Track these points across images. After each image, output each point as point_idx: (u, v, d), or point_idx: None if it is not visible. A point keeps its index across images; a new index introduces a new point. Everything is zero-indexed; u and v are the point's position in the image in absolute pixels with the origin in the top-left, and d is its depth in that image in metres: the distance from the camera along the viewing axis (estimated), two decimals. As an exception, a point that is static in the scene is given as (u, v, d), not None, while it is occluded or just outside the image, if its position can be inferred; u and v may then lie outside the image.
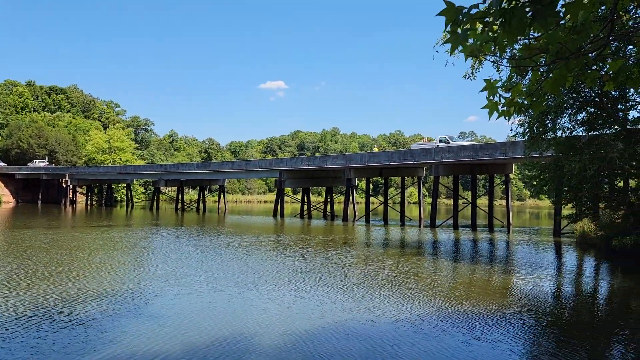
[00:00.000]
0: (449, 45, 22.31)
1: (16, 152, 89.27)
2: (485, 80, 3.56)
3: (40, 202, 79.43)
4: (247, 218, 50.68)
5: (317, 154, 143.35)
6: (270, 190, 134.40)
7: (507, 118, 3.83)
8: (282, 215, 48.67)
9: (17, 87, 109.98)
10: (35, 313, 9.95)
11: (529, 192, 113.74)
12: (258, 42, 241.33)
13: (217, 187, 72.33)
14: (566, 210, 28.59)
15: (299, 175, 50.04)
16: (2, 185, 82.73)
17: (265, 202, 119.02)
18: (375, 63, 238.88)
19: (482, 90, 3.58)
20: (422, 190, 47.57)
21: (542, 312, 11.19)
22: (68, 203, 74.33)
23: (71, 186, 75.75)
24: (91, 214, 52.03)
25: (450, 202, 72.24)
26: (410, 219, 46.76)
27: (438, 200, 37.77)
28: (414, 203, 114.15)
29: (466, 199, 44.66)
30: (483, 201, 60.08)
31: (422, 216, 43.08)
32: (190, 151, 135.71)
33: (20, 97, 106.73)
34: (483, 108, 3.57)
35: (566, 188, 24.59)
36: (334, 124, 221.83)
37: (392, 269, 16.45)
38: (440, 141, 41.14)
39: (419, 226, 39.17)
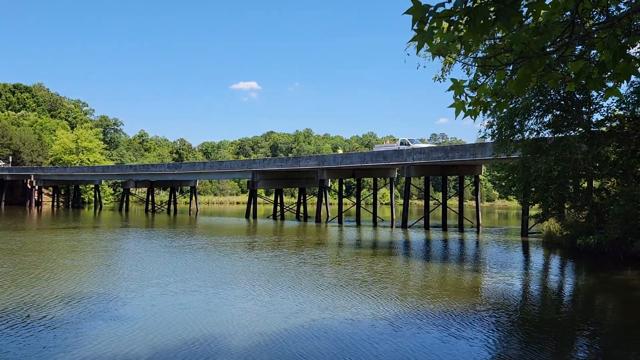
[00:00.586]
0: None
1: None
2: (452, 79, 3.61)
3: (3, 203, 76.79)
4: (219, 219, 50.17)
5: (290, 155, 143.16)
6: (243, 192, 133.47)
7: (473, 117, 3.89)
8: (254, 217, 48.37)
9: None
10: (4, 317, 9.61)
11: (497, 193, 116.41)
12: (231, 42, 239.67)
13: (189, 188, 71.33)
14: (533, 211, 29.34)
15: (272, 176, 49.86)
16: (-37, 186, 79.58)
17: (237, 203, 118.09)
18: (349, 65, 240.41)
19: (449, 90, 3.63)
20: (394, 191, 48.06)
21: (513, 309, 11.45)
22: (33, 205, 72.05)
23: (36, 187, 73.48)
24: (58, 216, 50.59)
25: (422, 202, 73.28)
26: (383, 220, 47.15)
27: (410, 201, 38.23)
28: (386, 204, 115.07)
29: (437, 200, 45.33)
30: (453, 202, 61.12)
31: (394, 217, 43.52)
32: (161, 152, 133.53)
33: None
34: (450, 107, 3.62)
35: (533, 189, 25.24)
36: (307, 125, 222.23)
37: (366, 269, 16.54)
38: (402, 143, 42.90)
39: (391, 227, 39.53)
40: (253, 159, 56.51)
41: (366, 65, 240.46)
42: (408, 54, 21.47)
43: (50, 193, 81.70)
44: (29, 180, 73.83)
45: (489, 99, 3.75)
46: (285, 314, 10.34)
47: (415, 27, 3.00)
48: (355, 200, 48.85)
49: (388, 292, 12.88)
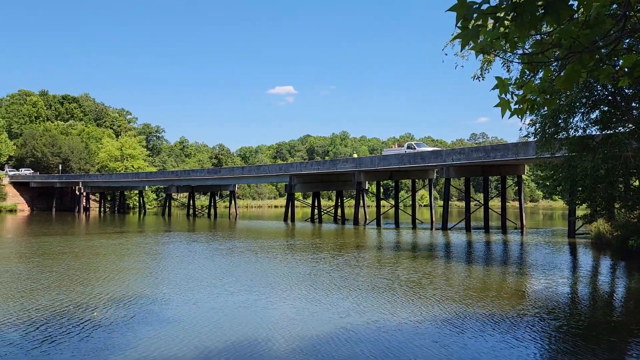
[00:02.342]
0: (458, 48, 21.97)
1: (30, 161, 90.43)
2: (497, 78, 3.51)
3: (54, 209, 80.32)
4: (258, 223, 50.78)
5: (326, 158, 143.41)
6: (280, 195, 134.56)
7: (520, 116, 3.77)
8: (292, 220, 48.67)
9: (30, 97, 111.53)
10: (53, 317, 10.01)
11: (542, 193, 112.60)
12: (267, 47, 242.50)
13: (228, 192, 72.61)
14: (580, 211, 28.23)
15: (309, 179, 50.07)
16: (18, 193, 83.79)
17: (275, 206, 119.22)
18: (385, 66, 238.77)
19: (493, 89, 3.52)
20: (433, 192, 47.31)
21: (566, 312, 11.09)
22: (82, 210, 75.05)
23: (84, 193, 76.50)
24: (105, 221, 52.48)
25: (462, 204, 71.79)
26: (422, 222, 46.49)
27: (449, 202, 37.53)
28: (425, 206, 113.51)
29: (478, 201, 44.29)
30: (495, 203, 59.60)
31: (433, 219, 42.82)
32: (200, 157, 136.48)
33: (34, 107, 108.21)
34: (495, 107, 3.52)
35: (580, 188, 24.29)
36: (344, 128, 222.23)
37: (408, 272, 16.34)
38: (408, 147, 44.07)
39: (431, 229, 38.94)
40: (290, 162, 56.93)
41: (402, 65, 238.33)
42: (446, 54, 21.03)
43: (98, 199, 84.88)
44: (77, 187, 76.99)
45: (535, 97, 3.62)
46: (329, 317, 10.33)
47: (459, 24, 2.94)
48: (393, 202, 48.40)
49: (434, 295, 12.66)
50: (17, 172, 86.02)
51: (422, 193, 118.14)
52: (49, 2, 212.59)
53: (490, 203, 41.24)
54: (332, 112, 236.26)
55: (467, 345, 8.51)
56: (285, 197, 55.06)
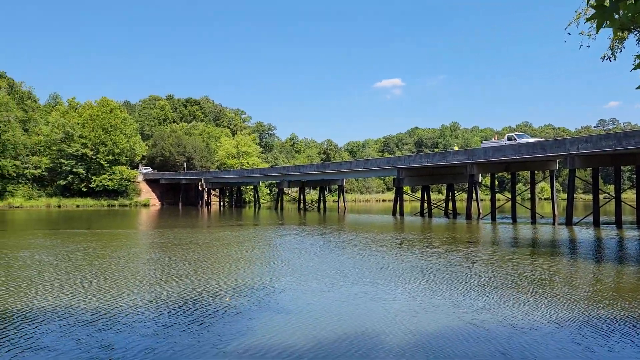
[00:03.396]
0: (583, 26, 19.91)
1: (160, 160, 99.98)
2: (638, 56, 3.15)
3: (181, 204, 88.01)
4: (366, 217, 51.02)
5: (435, 150, 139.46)
6: (388, 189, 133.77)
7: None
8: (401, 214, 48.14)
9: (159, 101, 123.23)
10: (181, 305, 10.99)
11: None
12: (373, 41, 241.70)
13: (337, 186, 73.87)
14: None
15: (418, 172, 49.09)
16: (150, 189, 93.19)
17: (383, 200, 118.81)
18: (496, 50, 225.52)
19: (634, 68, 3.17)
20: (555, 184, 43.78)
21: None
22: (204, 205, 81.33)
23: (206, 189, 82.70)
24: (224, 215, 56.34)
25: (588, 197, 65.52)
26: (542, 216, 43.31)
27: (574, 195, 34.42)
28: (545, 199, 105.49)
29: (608, 194, 40.09)
30: (629, 195, 53.50)
31: (555, 213, 39.66)
32: (310, 153, 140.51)
33: (161, 110, 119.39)
34: (637, 88, 3.16)
35: None
36: (454, 119, 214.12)
37: (531, 269, 15.35)
38: (508, 139, 41.54)
39: (553, 223, 36.12)
40: (398, 156, 56.25)
41: (516, 48, 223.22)
42: (569, 33, 19.26)
43: (217, 194, 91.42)
44: (199, 183, 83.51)
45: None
46: (442, 314, 10.08)
47: (592, 1, 2.68)
48: (509, 196, 45.67)
49: (568, 293, 11.73)
50: (149, 170, 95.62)
51: (542, 185, 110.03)
52: (173, 16, 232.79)
53: (623, 195, 37.13)
54: (441, 102, 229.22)
55: (614, 349, 7.79)
56: (394, 191, 54.58)
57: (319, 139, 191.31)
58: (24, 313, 10.10)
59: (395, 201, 50.20)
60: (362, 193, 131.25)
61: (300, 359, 7.48)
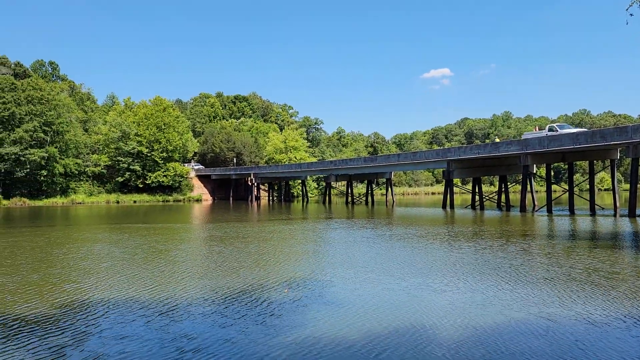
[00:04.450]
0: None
1: (210, 156, 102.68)
2: None
3: (231, 199, 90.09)
4: (415, 210, 50.36)
5: (486, 141, 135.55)
6: (437, 182, 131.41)
7: None
8: (452, 207, 47.22)
9: (209, 99, 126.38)
10: (234, 297, 11.30)
11: None
12: (420, 31, 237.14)
13: (384, 180, 73.37)
14: None
15: (469, 164, 47.94)
16: (202, 185, 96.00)
17: (432, 193, 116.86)
18: (550, 36, 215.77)
19: None
20: (617, 174, 41.56)
21: None
22: (254, 199, 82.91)
23: (255, 184, 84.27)
24: (273, 209, 57.19)
25: (655, 187, 61.55)
26: (602, 208, 41.30)
27: (638, 185, 32.57)
28: (605, 190, 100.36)
29: (677, 183, 37.62)
30: (701, 185, 49.94)
31: (617, 204, 37.71)
32: (357, 146, 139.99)
33: (211, 107, 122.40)
34: None
35: None
36: (506, 108, 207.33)
37: (594, 263, 14.70)
38: (549, 130, 40.52)
39: (614, 215, 34.36)
40: (447, 147, 55.06)
41: (570, 33, 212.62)
42: (631, 14, 18.23)
43: (266, 189, 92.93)
44: (249, 178, 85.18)
45: None
46: (496, 309, 9.84)
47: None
48: (566, 187, 43.80)
49: (634, 289, 11.18)
50: (200, 167, 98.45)
51: (602, 175, 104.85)
52: (223, 15, 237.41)
53: (694, 186, 34.69)
54: (492, 92, 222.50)
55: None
56: (443, 183, 53.55)
57: (366, 132, 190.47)
58: (107, 303, 10.68)
59: (445, 194, 49.27)
60: (410, 186, 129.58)
61: (372, 348, 7.54)
